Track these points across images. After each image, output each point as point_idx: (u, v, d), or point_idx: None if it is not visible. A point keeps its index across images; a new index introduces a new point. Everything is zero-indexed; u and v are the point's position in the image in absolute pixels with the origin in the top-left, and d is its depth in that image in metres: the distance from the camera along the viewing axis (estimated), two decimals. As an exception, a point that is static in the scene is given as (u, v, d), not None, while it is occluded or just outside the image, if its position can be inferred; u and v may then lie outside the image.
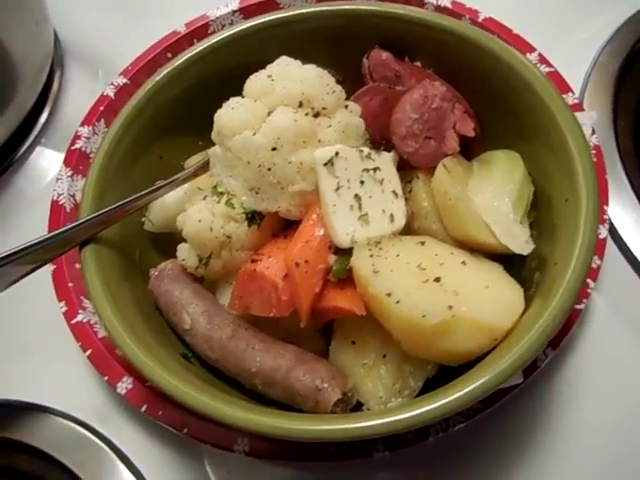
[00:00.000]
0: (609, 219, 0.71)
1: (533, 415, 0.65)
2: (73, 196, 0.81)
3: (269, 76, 0.60)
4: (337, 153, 0.56)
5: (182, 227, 0.61)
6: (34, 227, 0.83)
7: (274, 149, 0.56)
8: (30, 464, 0.71)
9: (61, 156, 0.94)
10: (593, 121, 0.75)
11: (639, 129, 0.85)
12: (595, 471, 0.62)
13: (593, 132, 0.75)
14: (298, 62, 0.62)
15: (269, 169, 0.57)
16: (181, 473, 0.68)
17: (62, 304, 0.71)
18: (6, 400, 0.74)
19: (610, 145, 0.81)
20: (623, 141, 0.82)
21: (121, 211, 0.59)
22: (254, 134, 0.57)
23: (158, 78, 0.68)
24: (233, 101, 0.61)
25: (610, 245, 0.73)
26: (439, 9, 0.90)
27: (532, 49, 0.84)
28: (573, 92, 0.81)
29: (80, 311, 0.71)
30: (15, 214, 0.89)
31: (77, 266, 0.75)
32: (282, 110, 0.57)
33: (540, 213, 0.62)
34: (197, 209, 0.60)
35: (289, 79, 0.59)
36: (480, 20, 0.87)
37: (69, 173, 0.82)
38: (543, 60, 0.83)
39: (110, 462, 0.69)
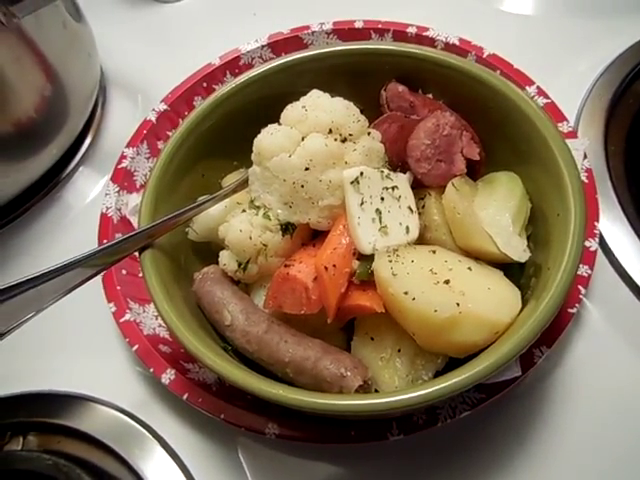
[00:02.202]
0: (600, 233, 0.79)
1: (531, 406, 0.72)
2: (119, 209, 0.91)
3: (303, 107, 0.70)
4: (362, 173, 0.65)
5: (224, 236, 0.70)
6: (80, 237, 0.95)
7: (307, 169, 0.66)
8: (79, 448, 0.78)
9: (103, 175, 1.05)
10: (585, 147, 0.83)
11: (629, 154, 0.94)
12: (587, 455, 0.70)
13: (585, 156, 0.84)
14: (327, 95, 0.72)
15: (302, 186, 0.66)
16: (216, 458, 0.75)
17: (111, 305, 0.80)
18: (58, 391, 0.82)
19: (602, 168, 0.90)
20: (614, 164, 0.91)
21: (174, 222, 0.68)
22: (290, 156, 0.67)
23: (203, 106, 0.78)
24: (271, 127, 0.71)
25: (601, 257, 0.81)
26: (448, 46, 1.00)
27: (531, 82, 0.94)
28: (568, 121, 0.90)
29: (127, 311, 0.80)
30: (63, 225, 0.99)
31: (123, 272, 0.85)
32: (314, 136, 0.67)
33: (536, 227, 0.70)
34: (238, 220, 0.69)
35: (320, 110, 0.68)
36: (484, 56, 0.97)
37: (116, 189, 0.92)
38: (541, 92, 0.92)
39: (152, 447, 0.76)
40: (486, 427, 0.72)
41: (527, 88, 0.93)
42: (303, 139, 0.68)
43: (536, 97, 0.91)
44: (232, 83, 0.80)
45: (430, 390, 0.53)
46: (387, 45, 0.79)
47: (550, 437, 0.70)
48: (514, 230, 0.67)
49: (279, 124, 0.72)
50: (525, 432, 0.71)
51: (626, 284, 0.81)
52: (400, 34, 1.03)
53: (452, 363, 0.65)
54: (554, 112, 0.89)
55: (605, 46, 1.07)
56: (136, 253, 0.66)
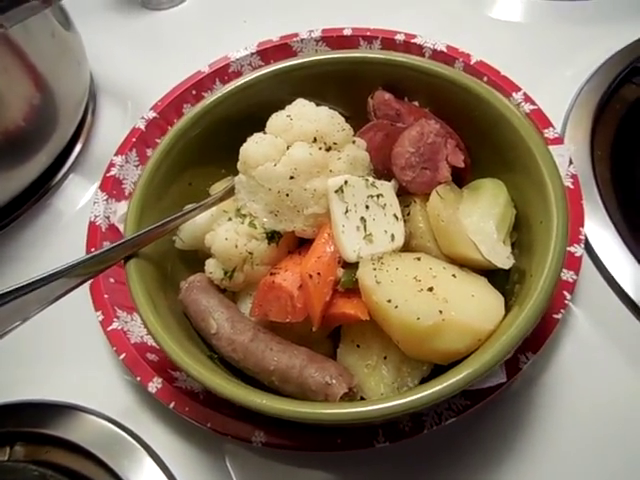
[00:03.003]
0: (585, 238, 0.79)
1: (517, 412, 0.73)
2: (108, 218, 0.91)
3: (288, 116, 0.70)
4: (346, 182, 0.66)
5: (211, 244, 0.70)
6: (71, 244, 0.95)
7: (292, 178, 0.66)
8: (67, 459, 0.78)
9: (93, 182, 1.05)
10: (571, 153, 0.84)
11: (614, 159, 0.94)
12: (574, 459, 0.70)
13: (571, 162, 0.84)
14: (312, 104, 0.72)
15: (287, 195, 0.66)
16: (204, 466, 0.75)
17: (99, 313, 0.80)
18: (45, 400, 0.82)
19: (588, 174, 0.90)
20: (600, 170, 0.92)
21: (160, 230, 0.68)
22: (275, 165, 0.67)
23: (190, 114, 0.78)
24: (257, 136, 0.71)
25: (587, 262, 0.82)
26: (435, 53, 1.01)
27: (518, 89, 0.94)
28: (554, 127, 0.90)
29: (114, 319, 0.80)
30: (54, 232, 0.99)
31: (111, 280, 0.85)
32: (299, 145, 0.67)
33: (521, 233, 0.70)
34: (224, 229, 0.69)
35: (305, 119, 0.69)
36: (472, 63, 0.98)
37: (104, 197, 0.92)
38: (528, 99, 0.93)
39: (140, 457, 0.76)
40: (472, 433, 0.72)
41: (514, 95, 0.93)
42: (288, 148, 0.69)
43: (523, 103, 0.92)
44: (219, 91, 0.80)
45: (415, 397, 0.53)
46: (374, 54, 0.80)
47: (537, 441, 0.71)
48: (498, 237, 0.67)
49: (264, 133, 0.72)
50: (512, 437, 0.71)
51: (612, 289, 0.81)
52: (388, 41, 1.04)
53: (438, 370, 0.65)
54: (540, 118, 0.90)
55: (591, 53, 1.07)
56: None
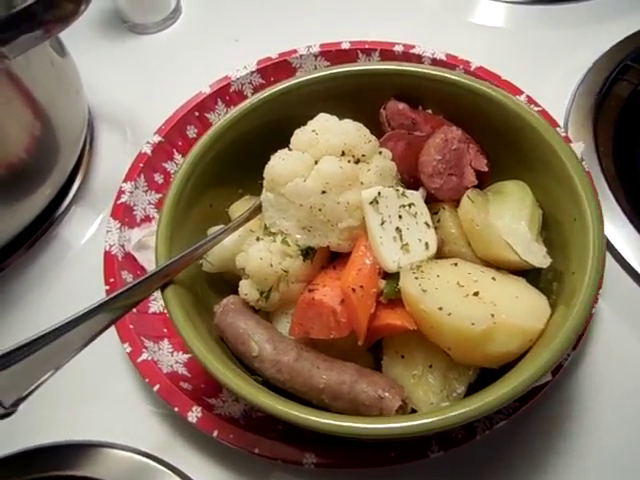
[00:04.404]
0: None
1: (559, 409, 0.73)
2: (123, 246, 0.89)
3: (313, 130, 0.70)
4: (379, 193, 0.66)
5: (244, 265, 0.69)
6: (81, 276, 0.93)
7: (324, 192, 0.66)
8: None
9: (97, 211, 1.03)
10: (581, 150, 0.86)
11: (617, 154, 0.97)
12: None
13: (582, 160, 0.86)
14: (335, 118, 0.73)
15: (320, 210, 0.66)
16: (248, 495, 0.74)
17: (126, 345, 0.78)
18: (74, 441, 0.78)
19: (596, 170, 0.93)
20: (606, 165, 0.94)
21: (192, 256, 0.67)
22: (305, 181, 0.67)
23: (205, 139, 0.76)
24: (282, 153, 0.71)
25: (607, 257, 0.84)
26: (435, 61, 1.03)
27: (520, 92, 0.96)
28: (560, 126, 0.93)
29: (144, 350, 0.77)
30: (64, 264, 0.96)
31: (133, 310, 0.82)
32: (328, 159, 0.67)
33: (549, 232, 0.72)
34: (257, 248, 0.68)
35: (331, 133, 0.68)
36: (472, 69, 1.00)
37: (117, 225, 0.90)
38: (531, 101, 0.95)
39: (179, 488, 0.74)
40: (521, 434, 0.72)
41: (517, 97, 0.95)
42: (316, 163, 0.68)
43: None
44: (231, 113, 0.79)
45: (478, 405, 0.53)
46: (387, 65, 0.81)
47: (586, 432, 0.72)
48: (531, 237, 0.68)
49: (289, 149, 0.72)
50: (557, 434, 0.72)
51: (632, 279, 0.83)
52: (387, 52, 1.05)
53: (483, 373, 0.66)
54: (547, 119, 0.92)
55: (581, 54, 1.11)
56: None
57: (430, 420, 0.54)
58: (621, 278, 0.83)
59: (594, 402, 0.74)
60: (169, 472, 0.75)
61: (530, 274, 0.70)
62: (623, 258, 0.84)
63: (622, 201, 0.90)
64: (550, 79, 1.09)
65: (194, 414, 0.71)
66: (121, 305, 0.61)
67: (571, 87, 1.07)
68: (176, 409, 0.72)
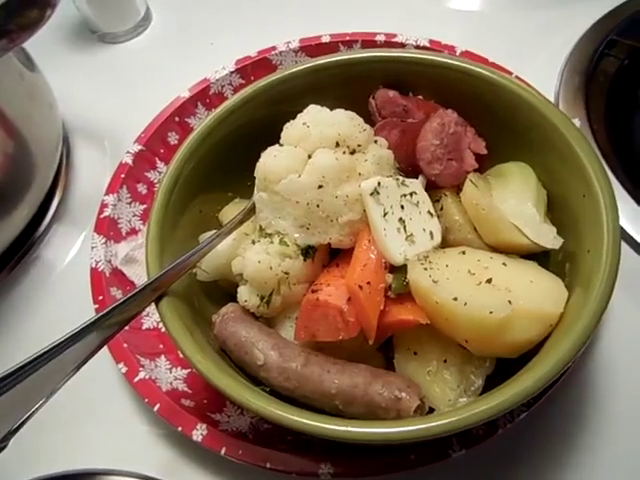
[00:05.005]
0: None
1: (575, 397, 0.71)
2: (109, 261, 0.84)
3: (304, 123, 0.66)
4: (379, 183, 0.62)
5: (241, 271, 0.65)
6: (67, 296, 0.89)
7: (320, 187, 0.62)
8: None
9: (79, 227, 0.98)
10: (577, 128, 0.84)
11: (611, 129, 0.95)
12: None
13: (579, 136, 0.84)
14: (326, 109, 0.69)
15: (318, 205, 0.63)
16: (261, 511, 0.69)
17: (121, 365, 0.73)
18: (68, 472, 0.73)
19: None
20: (602, 143, 0.93)
21: (185, 264, 0.63)
22: (299, 176, 0.63)
23: (189, 144, 0.72)
24: (273, 149, 0.67)
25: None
26: (419, 48, 1.00)
27: (509, 73, 0.94)
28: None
29: (140, 369, 0.73)
30: (48, 285, 0.91)
31: (126, 327, 0.78)
32: (322, 152, 0.64)
33: (556, 212, 0.69)
34: (254, 252, 0.65)
35: (324, 124, 0.65)
36: (458, 54, 0.98)
37: (102, 240, 0.85)
38: (521, 81, 0.93)
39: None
40: (542, 424, 0.69)
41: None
42: (309, 156, 0.65)
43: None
44: (211, 116, 0.75)
45: (504, 399, 0.50)
46: (373, 52, 0.77)
47: (599, 428, 0.69)
48: (540, 218, 0.65)
49: (280, 145, 0.68)
50: (581, 419, 0.69)
51: (636, 252, 0.82)
52: (369, 43, 1.02)
53: (500, 364, 0.62)
54: (538, 98, 0.90)
55: (566, 31, 1.09)
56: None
57: (451, 420, 0.50)
58: (625, 252, 0.80)
59: (610, 389, 0.72)
60: (177, 496, 0.70)
61: (539, 257, 0.67)
62: (627, 233, 0.82)
63: (620, 175, 0.88)
64: (536, 59, 1.08)
65: (199, 432, 0.67)
66: (114, 322, 0.57)
67: (558, 66, 1.05)
68: (179, 428, 0.68)
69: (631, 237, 0.82)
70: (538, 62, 1.08)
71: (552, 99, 1.00)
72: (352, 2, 1.25)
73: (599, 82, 1.01)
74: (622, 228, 0.81)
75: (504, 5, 1.19)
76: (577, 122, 0.84)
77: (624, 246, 0.81)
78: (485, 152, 0.72)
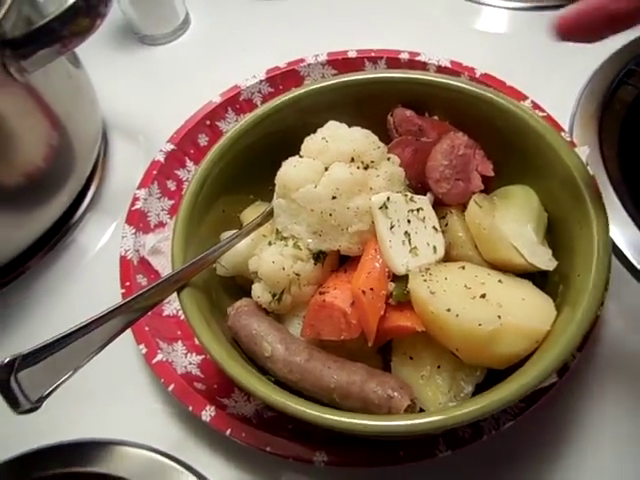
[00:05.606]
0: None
1: (566, 409, 0.75)
2: (137, 251, 0.91)
3: (323, 138, 0.72)
4: (388, 198, 0.68)
5: (256, 269, 0.71)
6: (98, 279, 0.96)
7: (334, 198, 0.68)
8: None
9: (112, 217, 1.05)
10: (586, 155, 0.87)
11: (623, 157, 0.98)
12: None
13: (587, 164, 0.88)
14: (345, 125, 0.75)
15: (330, 214, 0.68)
16: (259, 492, 0.75)
17: (142, 346, 0.80)
18: (88, 439, 0.81)
19: (601, 174, 0.94)
20: (611, 169, 0.96)
21: (207, 260, 0.69)
22: (315, 186, 0.69)
23: (220, 146, 0.78)
24: (294, 160, 0.73)
25: (613, 260, 0.85)
26: (440, 68, 1.04)
27: (525, 97, 0.98)
28: (565, 131, 0.94)
29: (158, 351, 0.80)
30: (81, 268, 0.99)
31: (148, 313, 0.85)
32: (338, 165, 0.69)
33: (555, 235, 0.73)
34: (270, 252, 0.70)
35: (341, 140, 0.71)
36: (477, 76, 1.02)
37: (132, 231, 0.92)
38: (536, 106, 0.97)
39: (192, 485, 0.76)
40: (529, 434, 0.73)
41: (522, 103, 0.97)
42: (326, 169, 0.71)
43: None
44: (241, 123, 0.81)
45: (485, 404, 0.54)
46: (393, 73, 0.83)
47: (592, 432, 0.73)
48: (537, 240, 0.69)
49: (300, 156, 0.74)
50: (565, 435, 0.73)
51: (639, 281, 0.85)
52: (393, 60, 1.07)
53: (490, 374, 0.67)
54: (551, 124, 0.93)
55: (586, 57, 1.12)
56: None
57: (437, 418, 0.55)
58: (627, 281, 0.85)
59: (600, 404, 0.75)
60: (183, 470, 0.77)
61: (537, 277, 0.71)
62: (629, 261, 0.85)
63: (628, 204, 0.91)
64: (554, 84, 1.11)
65: (207, 413, 0.73)
66: (139, 307, 0.63)
67: (576, 91, 1.08)
68: (190, 408, 0.74)
69: (635, 268, 0.85)
70: (557, 86, 1.11)
71: (567, 123, 1.03)
72: (380, 19, 1.30)
73: (615, 110, 1.04)
74: (628, 260, 0.85)
75: (529, 29, 1.23)
76: (586, 149, 0.87)
77: (631, 280, 0.85)
78: (492, 174, 0.76)
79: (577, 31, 0.49)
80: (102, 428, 0.81)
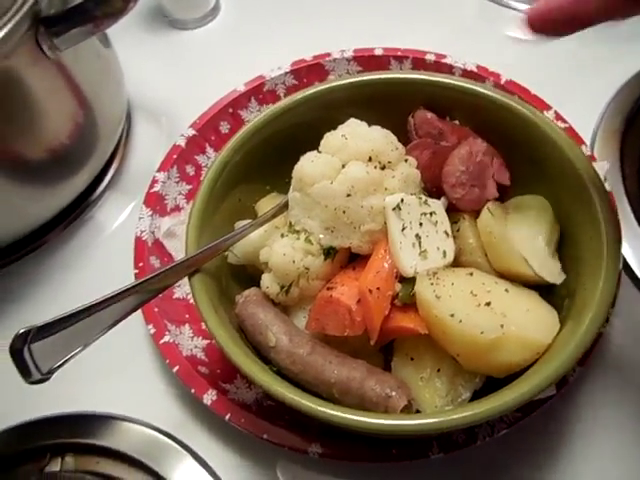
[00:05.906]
0: (622, 255, 0.82)
1: (562, 422, 0.75)
2: (153, 233, 0.93)
3: (343, 135, 0.72)
4: (402, 200, 0.68)
5: (267, 259, 0.72)
6: (113, 257, 0.98)
7: (349, 195, 0.68)
8: (117, 468, 0.79)
9: (130, 197, 1.07)
10: (605, 170, 0.87)
11: (643, 176, 0.98)
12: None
13: (605, 179, 0.87)
14: (365, 124, 0.75)
15: (344, 212, 0.69)
16: (254, 477, 0.77)
17: (150, 326, 0.82)
18: (94, 412, 0.83)
19: (619, 190, 0.93)
20: (630, 186, 0.95)
21: (220, 247, 0.70)
22: (331, 183, 0.69)
23: (240, 135, 0.80)
24: (311, 155, 0.74)
25: (624, 277, 0.85)
26: (465, 72, 1.04)
27: (548, 107, 0.97)
28: (586, 145, 0.94)
29: (166, 332, 0.82)
30: (98, 243, 1.01)
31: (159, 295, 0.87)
32: (355, 164, 0.70)
33: (566, 248, 0.73)
34: (281, 244, 0.72)
35: (360, 138, 0.71)
36: (502, 82, 1.01)
37: (149, 213, 0.94)
38: (559, 117, 0.96)
39: (190, 465, 0.77)
40: (523, 444, 0.74)
41: (545, 113, 0.96)
42: (343, 166, 0.71)
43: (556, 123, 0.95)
44: (263, 114, 0.82)
45: (479, 410, 0.55)
46: (418, 75, 0.83)
47: (585, 447, 0.74)
48: (548, 253, 0.69)
49: (318, 151, 0.75)
50: (560, 444, 0.74)
51: (648, 302, 0.84)
52: (419, 61, 1.07)
53: (489, 381, 0.68)
54: (572, 136, 0.93)
55: (614, 71, 1.10)
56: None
57: (432, 420, 0.56)
58: (637, 299, 0.84)
59: (596, 420, 0.75)
60: (181, 449, 0.79)
61: (544, 288, 0.71)
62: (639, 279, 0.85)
63: (644, 223, 0.90)
64: (580, 96, 1.09)
65: (209, 397, 0.75)
66: (152, 289, 0.65)
67: (601, 105, 1.07)
68: (192, 390, 0.76)
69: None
70: (582, 98, 1.09)
71: (589, 137, 1.02)
72: (409, 19, 1.29)
73: (639, 127, 1.03)
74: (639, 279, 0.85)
75: (559, 38, 1.21)
76: (606, 164, 0.87)
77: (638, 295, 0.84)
78: (508, 183, 0.76)
79: (545, 27, 0.51)
80: (106, 403, 0.83)
